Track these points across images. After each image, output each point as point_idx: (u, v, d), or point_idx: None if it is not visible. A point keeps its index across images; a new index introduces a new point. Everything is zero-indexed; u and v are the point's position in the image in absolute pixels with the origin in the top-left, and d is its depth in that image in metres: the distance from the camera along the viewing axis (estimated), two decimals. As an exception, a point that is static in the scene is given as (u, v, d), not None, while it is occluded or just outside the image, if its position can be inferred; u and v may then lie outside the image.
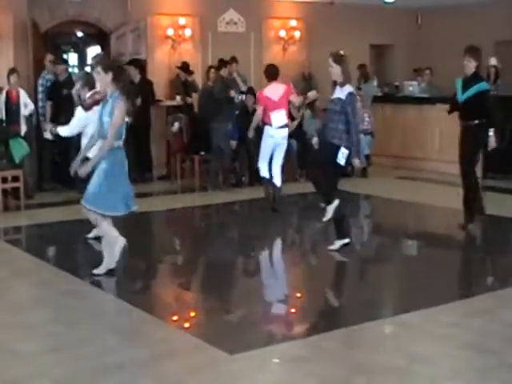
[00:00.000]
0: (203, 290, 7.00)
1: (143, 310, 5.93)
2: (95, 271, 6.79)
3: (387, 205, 11.07)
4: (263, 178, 9.99)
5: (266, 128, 9.70)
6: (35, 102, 10.87)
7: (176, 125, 12.06)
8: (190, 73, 12.80)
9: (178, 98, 12.59)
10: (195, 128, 12.33)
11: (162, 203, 10.76)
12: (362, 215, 10.90)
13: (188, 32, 13.43)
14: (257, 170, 10.41)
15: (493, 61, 13.35)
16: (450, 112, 9.19)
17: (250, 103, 12.12)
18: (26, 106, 10.49)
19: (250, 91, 12.62)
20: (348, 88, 7.48)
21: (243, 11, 14.04)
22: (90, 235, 8.18)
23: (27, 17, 11.44)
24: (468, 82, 8.75)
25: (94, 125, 7.13)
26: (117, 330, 5.57)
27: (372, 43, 15.89)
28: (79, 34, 15.49)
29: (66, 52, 17.70)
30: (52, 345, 5.18)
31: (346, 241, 7.74)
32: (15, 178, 9.97)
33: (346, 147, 7.46)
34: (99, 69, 6.43)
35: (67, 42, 16.97)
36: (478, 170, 12.06)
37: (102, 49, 13.90)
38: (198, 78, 13.32)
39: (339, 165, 7.53)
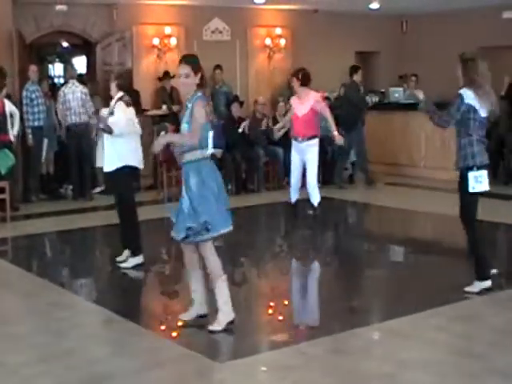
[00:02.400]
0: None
1: (130, 320, 5.92)
2: (211, 328, 5.60)
3: (374, 211, 11.11)
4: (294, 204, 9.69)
5: (317, 141, 9.36)
6: (20, 113, 10.82)
7: (162, 134, 12.02)
8: (171, 77, 12.86)
9: (164, 107, 12.60)
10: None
11: (148, 213, 10.72)
12: (350, 222, 10.91)
13: (173, 41, 13.46)
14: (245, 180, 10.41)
15: (477, 66, 13.40)
16: None
17: (237, 111, 12.14)
18: (12, 116, 10.45)
19: (236, 99, 12.64)
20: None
21: (228, 20, 14.07)
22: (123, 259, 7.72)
23: (12, 28, 11.42)
24: None
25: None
26: (104, 340, 5.56)
27: (357, 50, 15.93)
28: (65, 44, 15.46)
29: (52, 62, 17.66)
30: (39, 356, 5.16)
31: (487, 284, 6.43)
32: (1, 190, 9.93)
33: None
34: (189, 70, 5.48)
35: (53, 52, 16.94)
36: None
37: (88, 59, 13.90)
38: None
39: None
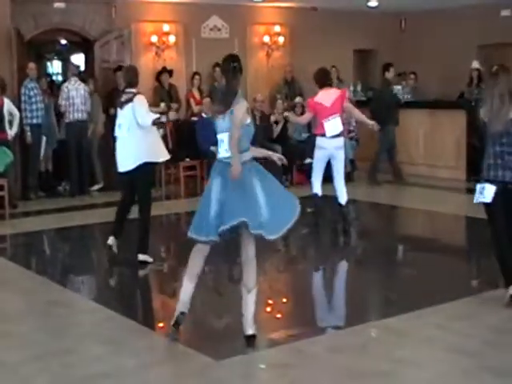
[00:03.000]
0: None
1: (129, 318, 5.94)
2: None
3: (372, 209, 11.12)
4: (315, 195, 9.14)
5: (317, 139, 9.00)
6: (19, 110, 10.82)
7: (160, 131, 12.03)
8: (169, 71, 12.87)
9: (163, 104, 12.55)
10: (180, 134, 12.34)
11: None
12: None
13: (172, 39, 13.45)
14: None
15: (475, 64, 13.46)
16: None
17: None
18: (12, 115, 10.47)
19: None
20: None
21: (227, 17, 14.06)
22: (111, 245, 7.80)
23: (11, 25, 11.42)
24: None
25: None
26: (102, 338, 5.56)
27: (356, 48, 15.93)
28: (63, 41, 15.46)
29: (50, 60, 17.66)
30: (37, 354, 5.17)
31: None
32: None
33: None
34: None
35: (51, 50, 16.93)
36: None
37: (86, 57, 13.88)
38: (182, 85, 13.36)
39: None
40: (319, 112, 8.89)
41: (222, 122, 5.39)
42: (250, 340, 5.29)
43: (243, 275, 5.39)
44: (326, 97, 8.93)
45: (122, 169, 7.57)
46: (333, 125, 8.87)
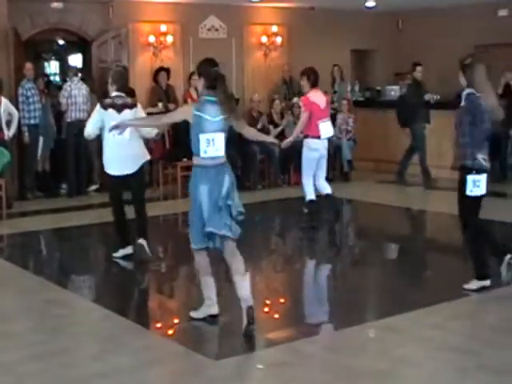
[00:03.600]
0: (186, 297, 6.98)
1: (126, 318, 5.94)
2: (192, 314, 5.85)
3: (369, 209, 11.10)
4: (311, 202, 9.03)
5: (308, 141, 8.87)
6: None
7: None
8: (166, 69, 12.86)
9: (160, 104, 12.57)
10: (177, 135, 12.32)
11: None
12: (345, 219, 10.90)
13: (169, 39, 13.44)
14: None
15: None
16: None
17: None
18: (11, 115, 10.46)
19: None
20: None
21: (224, 17, 14.05)
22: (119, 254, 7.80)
23: (8, 25, 11.40)
24: None
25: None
26: (100, 338, 5.56)
27: (353, 48, 15.93)
28: (60, 41, 15.46)
29: (47, 60, 17.64)
30: (34, 353, 5.16)
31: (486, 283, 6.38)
32: (-4, 187, 9.92)
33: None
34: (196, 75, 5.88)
35: (48, 50, 16.92)
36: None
37: (84, 57, 13.88)
38: (180, 85, 13.34)
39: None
40: (314, 112, 8.83)
41: (214, 122, 5.42)
42: (250, 327, 5.32)
43: (232, 266, 5.55)
44: (319, 98, 8.94)
45: (122, 172, 7.50)
46: (327, 127, 8.89)
